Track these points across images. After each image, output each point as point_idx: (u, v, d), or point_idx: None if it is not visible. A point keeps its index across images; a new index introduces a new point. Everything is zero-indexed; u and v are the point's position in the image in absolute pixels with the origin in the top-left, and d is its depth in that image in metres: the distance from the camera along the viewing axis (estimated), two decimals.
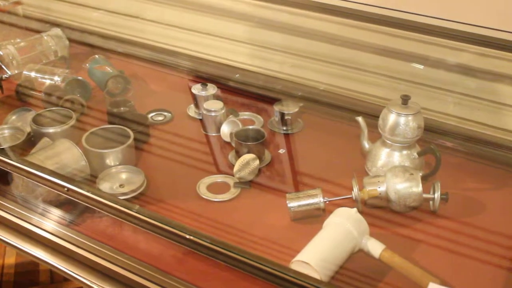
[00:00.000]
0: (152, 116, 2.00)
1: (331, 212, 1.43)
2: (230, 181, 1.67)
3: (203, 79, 2.12)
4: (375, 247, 1.34)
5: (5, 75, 2.20)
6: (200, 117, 1.96)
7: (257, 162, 1.67)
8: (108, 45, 2.44)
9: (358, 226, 1.37)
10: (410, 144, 1.63)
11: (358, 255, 1.38)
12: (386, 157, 1.64)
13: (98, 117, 1.95)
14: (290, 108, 1.91)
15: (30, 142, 1.76)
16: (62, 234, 1.47)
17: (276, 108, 1.92)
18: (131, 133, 1.72)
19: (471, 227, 1.50)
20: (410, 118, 1.59)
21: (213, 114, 1.88)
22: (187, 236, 1.22)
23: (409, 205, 1.50)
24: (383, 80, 1.92)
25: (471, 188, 1.65)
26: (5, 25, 2.54)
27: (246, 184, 1.65)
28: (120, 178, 1.64)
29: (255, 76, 2.15)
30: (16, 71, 2.22)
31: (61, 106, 1.90)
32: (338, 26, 1.94)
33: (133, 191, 1.58)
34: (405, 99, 1.60)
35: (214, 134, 1.90)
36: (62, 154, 1.60)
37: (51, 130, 1.75)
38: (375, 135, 1.69)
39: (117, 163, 1.66)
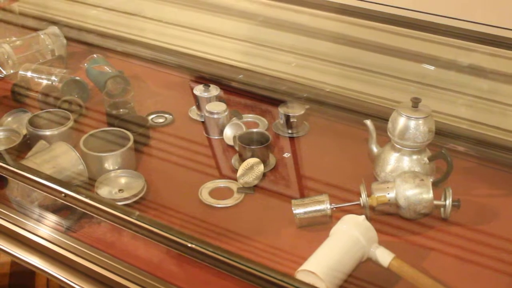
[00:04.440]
0: (152, 118, 1.99)
1: (338, 219, 1.42)
2: (233, 186, 1.66)
3: (206, 80, 2.11)
4: (384, 256, 1.33)
5: (0, 75, 2.20)
6: (202, 120, 1.95)
7: (261, 166, 1.66)
8: (107, 44, 2.44)
9: (367, 234, 1.36)
10: (421, 149, 1.62)
11: (366, 264, 1.37)
12: (395, 162, 1.63)
13: (96, 119, 1.95)
14: (296, 110, 1.91)
15: (26, 145, 1.76)
16: (59, 241, 1.47)
17: (281, 110, 1.91)
18: (131, 136, 1.71)
19: (484, 234, 1.49)
20: (420, 121, 1.58)
21: (215, 116, 1.88)
22: (189, 244, 1.21)
23: (420, 212, 1.49)
24: (392, 81, 1.92)
25: (484, 194, 1.64)
26: (0, 23, 2.54)
27: (250, 190, 1.64)
28: (119, 183, 1.64)
29: (260, 77, 2.15)
30: (11, 71, 2.22)
31: (58, 108, 1.90)
32: (346, 25, 1.93)
33: (133, 196, 1.57)
34: (415, 102, 1.60)
35: (216, 137, 1.89)
36: (59, 157, 1.60)
37: (48, 132, 1.74)
38: (384, 139, 1.68)
39: (116, 167, 1.66)
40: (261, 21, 2.13)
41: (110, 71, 2.12)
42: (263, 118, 1.99)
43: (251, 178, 1.65)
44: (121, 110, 1.93)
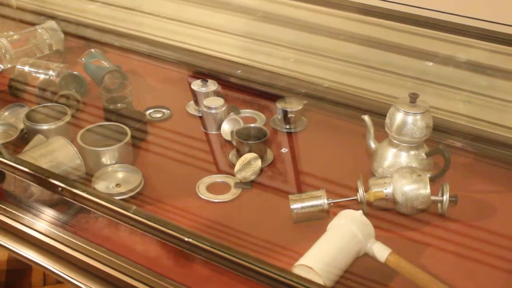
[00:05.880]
0: (150, 113, 2.00)
1: (335, 214, 1.43)
2: (231, 181, 1.66)
3: (203, 75, 2.11)
4: (381, 251, 1.34)
5: None
6: (200, 115, 1.96)
7: (259, 161, 1.66)
8: (105, 38, 2.44)
9: (364, 229, 1.36)
10: (418, 144, 1.62)
11: (363, 259, 1.37)
12: (393, 157, 1.63)
13: (94, 113, 1.95)
14: (294, 106, 1.91)
15: (23, 139, 1.76)
16: (56, 235, 1.47)
17: (279, 105, 1.91)
18: (128, 131, 1.71)
19: (481, 230, 1.49)
20: (418, 117, 1.58)
21: (213, 111, 1.88)
22: (186, 239, 1.22)
23: (417, 207, 1.50)
24: (390, 77, 1.92)
25: (481, 190, 1.64)
26: None
27: (247, 185, 1.65)
28: (116, 177, 1.64)
29: (258, 72, 2.15)
30: (9, 65, 2.21)
31: (56, 102, 1.90)
32: (344, 21, 1.93)
33: (130, 191, 1.57)
34: (413, 97, 1.60)
35: (214, 132, 1.89)
36: (57, 152, 1.60)
37: (45, 127, 1.74)
38: (382, 135, 1.68)
39: (114, 162, 1.66)
40: (259, 16, 2.13)
41: (107, 65, 2.12)
42: (261, 113, 1.99)
43: (248, 173, 1.65)
44: (119, 104, 1.92)
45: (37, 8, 2.64)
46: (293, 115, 1.90)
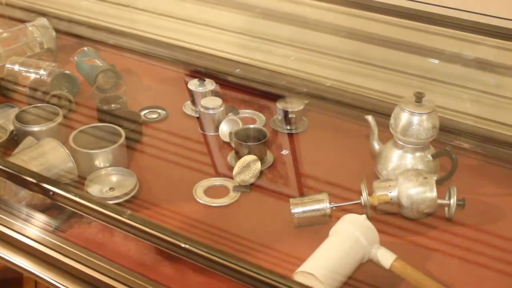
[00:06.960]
0: (145, 114, 2.00)
1: (338, 218, 1.43)
2: (229, 184, 1.66)
3: (201, 74, 2.12)
4: (386, 257, 1.33)
5: None
6: (197, 115, 1.96)
7: (259, 164, 1.66)
8: (98, 36, 2.44)
9: (368, 234, 1.36)
10: (424, 146, 1.62)
11: (367, 265, 1.37)
12: (398, 159, 1.63)
13: (87, 114, 1.95)
14: (294, 106, 1.91)
15: (13, 141, 1.76)
16: (47, 241, 1.46)
17: (279, 105, 1.91)
18: (123, 132, 1.71)
19: (489, 235, 1.49)
20: (424, 117, 1.58)
21: (211, 111, 1.88)
22: (183, 245, 1.21)
23: (423, 211, 1.49)
24: (395, 75, 1.92)
25: (490, 193, 1.64)
26: None
27: (247, 188, 1.65)
28: (110, 181, 1.64)
29: (257, 71, 2.15)
30: None
31: (47, 103, 1.90)
32: (347, 17, 1.93)
33: (124, 194, 1.57)
34: (419, 97, 1.60)
35: (212, 134, 1.89)
36: (48, 154, 1.60)
37: (35, 128, 1.74)
38: (386, 136, 1.68)
39: (107, 165, 1.65)
40: (259, 12, 2.13)
41: (101, 64, 2.12)
42: (260, 114, 1.99)
43: (247, 176, 1.65)
44: (113, 105, 1.93)
45: (27, 4, 2.64)
46: (294, 116, 1.90)
